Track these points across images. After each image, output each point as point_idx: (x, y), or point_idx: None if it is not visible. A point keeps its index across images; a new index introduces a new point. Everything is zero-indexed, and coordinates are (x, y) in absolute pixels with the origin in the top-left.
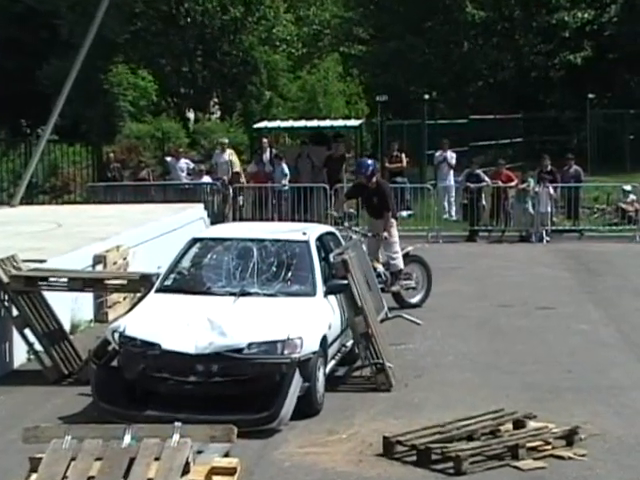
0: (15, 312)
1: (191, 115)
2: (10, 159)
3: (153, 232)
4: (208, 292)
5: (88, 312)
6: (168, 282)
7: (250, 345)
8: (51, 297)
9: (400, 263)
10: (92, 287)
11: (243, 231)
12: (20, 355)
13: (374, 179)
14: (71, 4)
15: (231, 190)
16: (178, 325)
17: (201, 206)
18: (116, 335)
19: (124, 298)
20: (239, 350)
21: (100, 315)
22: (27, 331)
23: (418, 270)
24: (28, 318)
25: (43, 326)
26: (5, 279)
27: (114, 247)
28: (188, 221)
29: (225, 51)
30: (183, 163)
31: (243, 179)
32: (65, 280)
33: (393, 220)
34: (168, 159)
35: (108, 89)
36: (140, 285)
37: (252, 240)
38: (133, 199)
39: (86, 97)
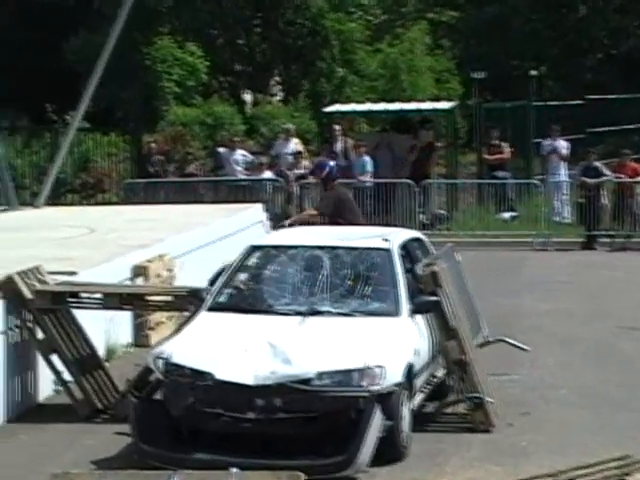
0: (40, 335)
1: (248, 97)
2: (33, 151)
3: (203, 238)
4: (270, 311)
5: (126, 334)
6: (222, 299)
7: (320, 375)
8: (82, 317)
9: None
10: (131, 305)
11: (311, 237)
12: (46, 386)
13: (334, 185)
14: None
15: (296, 187)
16: (234, 351)
17: (260, 206)
18: (160, 362)
19: (169, 318)
20: (307, 381)
21: (140, 338)
22: (54, 357)
23: None
24: (55, 342)
25: (73, 351)
26: (28, 295)
27: (157, 256)
28: (245, 225)
29: (288, 19)
30: (239, 155)
31: (306, 162)
32: (99, 296)
33: None
34: (221, 150)
35: (149, 66)
36: (188, 302)
37: (322, 248)
38: (179, 198)
39: (123, 76)
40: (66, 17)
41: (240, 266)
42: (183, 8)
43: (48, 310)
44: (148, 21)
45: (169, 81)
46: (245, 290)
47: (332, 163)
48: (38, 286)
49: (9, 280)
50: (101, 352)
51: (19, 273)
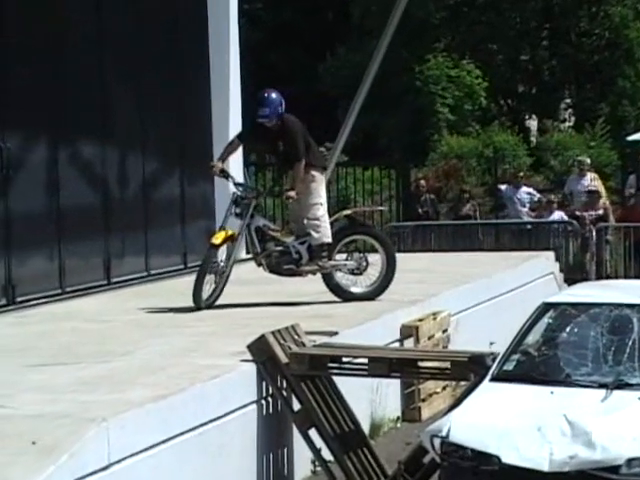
0: (296, 405)
1: (533, 124)
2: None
3: (482, 293)
4: (567, 382)
5: (393, 407)
6: (509, 367)
7: (630, 462)
8: (343, 385)
9: (324, 235)
10: (400, 372)
11: (617, 293)
12: (302, 465)
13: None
14: None
15: (594, 232)
16: (524, 429)
17: (551, 255)
18: (436, 441)
19: (443, 388)
20: (614, 469)
21: (410, 412)
22: (312, 432)
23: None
24: (314, 414)
25: (334, 426)
26: (283, 359)
27: (429, 314)
28: (533, 277)
29: (583, 30)
30: (524, 193)
31: (612, 218)
32: (364, 361)
33: (316, 173)
34: (502, 187)
35: (420, 88)
36: (469, 370)
37: (632, 306)
38: (453, 245)
39: (387, 100)
40: (322, 35)
41: (531, 328)
42: (458, 20)
43: (306, 377)
44: (417, 36)
45: (442, 106)
46: (537, 357)
47: (274, 94)
48: (294, 348)
49: (262, 340)
50: (365, 427)
51: (273, 332)
